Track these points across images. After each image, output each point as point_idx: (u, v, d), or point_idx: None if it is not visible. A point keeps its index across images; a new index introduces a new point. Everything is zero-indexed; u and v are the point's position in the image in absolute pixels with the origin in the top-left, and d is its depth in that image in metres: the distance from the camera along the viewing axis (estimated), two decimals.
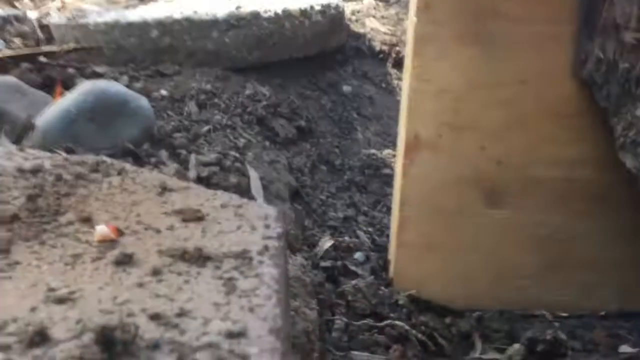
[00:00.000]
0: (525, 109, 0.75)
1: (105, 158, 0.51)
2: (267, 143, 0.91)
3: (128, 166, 0.50)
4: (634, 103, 0.68)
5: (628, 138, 0.70)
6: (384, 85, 1.18)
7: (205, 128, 0.85)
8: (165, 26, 0.96)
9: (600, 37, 0.69)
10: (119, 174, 0.48)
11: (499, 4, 0.72)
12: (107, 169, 0.49)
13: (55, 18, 1.10)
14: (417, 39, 0.73)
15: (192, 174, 0.70)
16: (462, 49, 0.74)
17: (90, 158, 0.52)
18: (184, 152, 0.77)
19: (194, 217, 0.39)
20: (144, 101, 0.78)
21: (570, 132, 0.75)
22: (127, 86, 0.88)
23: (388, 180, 0.92)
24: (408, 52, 0.75)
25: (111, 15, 1.04)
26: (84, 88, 0.76)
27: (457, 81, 0.75)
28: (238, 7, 1.02)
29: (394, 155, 0.91)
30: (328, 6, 1.12)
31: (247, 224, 0.39)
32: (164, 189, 0.44)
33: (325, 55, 1.15)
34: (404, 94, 0.78)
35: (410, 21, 0.74)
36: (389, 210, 0.85)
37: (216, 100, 0.92)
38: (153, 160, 0.72)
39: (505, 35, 0.73)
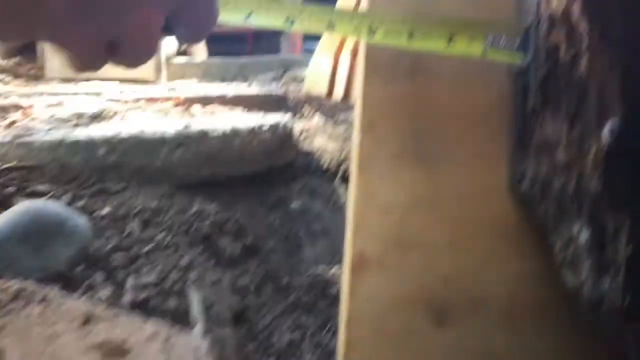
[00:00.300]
0: (467, 227, 0.76)
1: (29, 284, 0.48)
2: (212, 262, 0.88)
3: (53, 293, 0.47)
4: (571, 220, 0.70)
5: (567, 255, 0.71)
6: (332, 201, 1.20)
7: (147, 248, 0.83)
8: (112, 144, 0.96)
9: (534, 156, 0.72)
10: (42, 302, 0.45)
11: (437, 123, 0.75)
12: (29, 296, 0.46)
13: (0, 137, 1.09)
14: (361, 157, 0.75)
15: (127, 297, 0.66)
16: (405, 167, 0.75)
17: (14, 284, 0.48)
18: (121, 274, 0.74)
19: (116, 352, 0.36)
20: (82, 220, 0.75)
21: (511, 248, 0.76)
22: (69, 204, 0.85)
23: (336, 300, 0.90)
24: (353, 170, 0.76)
25: (59, 134, 1.03)
26: (20, 208, 0.74)
27: (401, 199, 0.76)
28: (187, 126, 1.03)
29: (342, 273, 0.90)
30: (277, 125, 1.15)
31: (175, 359, 0.36)
32: (89, 319, 0.41)
33: (274, 172, 1.16)
34: (349, 212, 0.78)
35: (354, 140, 0.77)
36: (336, 332, 0.82)
37: (160, 218, 0.90)
38: (86, 283, 0.68)
39: (445, 154, 0.75)
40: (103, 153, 0.95)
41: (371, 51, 0.70)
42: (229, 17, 0.41)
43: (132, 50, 0.33)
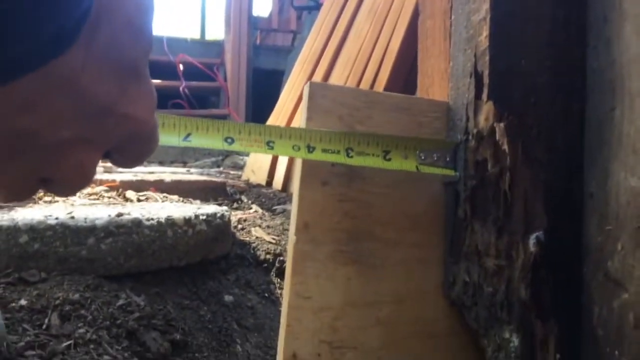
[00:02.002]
0: (401, 329, 0.76)
1: None
2: None
3: None
4: (501, 326, 0.71)
5: None
6: (267, 294, 1.17)
7: (65, 344, 0.77)
8: (37, 231, 0.91)
9: (465, 262, 0.74)
10: None
11: (372, 226, 0.76)
12: None
13: None
14: (296, 258, 0.75)
15: None
16: (341, 267, 0.76)
17: None
18: None
19: None
20: None
21: (445, 352, 0.76)
22: None
23: None
24: (288, 270, 0.75)
25: None
26: None
27: (336, 299, 0.75)
28: (119, 214, 1.01)
29: None
30: (214, 215, 1.14)
31: None
32: None
33: (208, 263, 1.13)
34: (283, 311, 0.77)
35: (290, 240, 0.76)
36: None
37: (83, 311, 0.85)
38: None
39: (379, 257, 0.76)
40: (26, 240, 0.90)
41: None
42: (168, 139, 0.42)
43: (65, 186, 0.32)
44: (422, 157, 0.68)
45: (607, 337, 0.62)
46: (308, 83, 0.72)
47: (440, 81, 1.49)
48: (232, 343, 1.00)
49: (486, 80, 0.67)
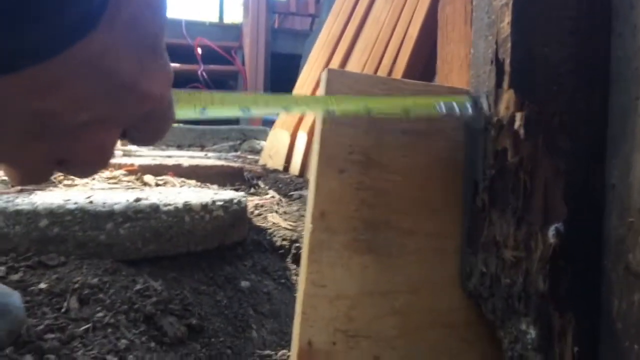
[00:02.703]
0: (417, 319, 0.76)
1: None
2: (153, 344, 0.84)
3: None
4: (518, 318, 0.71)
5: (515, 352, 0.71)
6: (283, 280, 1.17)
7: (84, 327, 0.78)
8: (56, 216, 0.92)
9: (482, 253, 0.73)
10: None
11: (389, 215, 0.76)
12: None
13: None
14: (312, 246, 0.74)
15: None
16: (356, 256, 0.75)
17: None
18: (53, 357, 0.69)
19: None
20: (15, 298, 0.71)
21: (460, 343, 0.76)
22: (3, 278, 0.81)
23: None
24: (303, 258, 0.75)
25: (0, 202, 0.99)
26: None
27: (351, 288, 0.75)
28: (137, 199, 1.01)
29: (290, 357, 0.87)
30: (230, 201, 1.14)
31: None
32: None
33: (225, 249, 1.14)
34: (298, 299, 0.77)
35: (306, 228, 0.76)
36: None
37: (101, 295, 0.86)
38: None
39: (396, 246, 0.76)
40: (45, 224, 0.91)
41: (325, 142, 0.71)
42: (184, 113, 0.41)
43: (84, 167, 0.32)
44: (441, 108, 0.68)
45: (626, 331, 0.61)
46: (326, 70, 0.71)
47: (460, 68, 1.47)
48: (248, 328, 1.00)
49: (507, 68, 0.66)
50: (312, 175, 0.73)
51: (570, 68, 0.66)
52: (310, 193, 0.73)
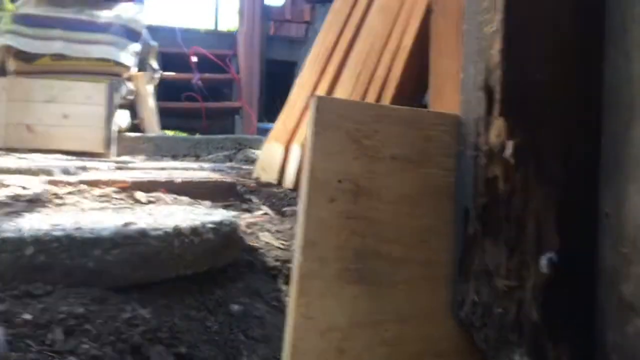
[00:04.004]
0: (407, 349, 0.74)
1: None
2: None
3: None
4: (511, 348, 0.69)
5: None
6: (275, 303, 1.16)
7: None
8: (42, 243, 0.91)
9: (474, 282, 0.72)
10: None
11: (379, 244, 0.74)
12: None
13: None
14: (301, 276, 0.73)
15: None
16: (346, 286, 0.74)
17: None
18: None
19: None
20: None
21: None
22: None
23: None
24: (292, 290, 0.74)
25: None
26: None
27: (342, 320, 0.74)
28: (126, 224, 1.00)
29: None
30: (221, 223, 1.13)
31: None
32: None
33: (216, 272, 1.12)
34: (288, 331, 0.75)
35: (296, 259, 0.75)
36: None
37: (87, 326, 0.84)
38: None
39: (386, 275, 0.74)
40: (31, 252, 0.89)
41: (314, 171, 0.69)
42: None
43: None
44: None
45: None
46: (315, 97, 0.70)
47: (453, 83, 1.46)
48: (239, 355, 0.99)
49: (498, 95, 0.65)
50: (301, 204, 0.72)
51: (563, 96, 0.65)
52: (299, 223, 0.71)
